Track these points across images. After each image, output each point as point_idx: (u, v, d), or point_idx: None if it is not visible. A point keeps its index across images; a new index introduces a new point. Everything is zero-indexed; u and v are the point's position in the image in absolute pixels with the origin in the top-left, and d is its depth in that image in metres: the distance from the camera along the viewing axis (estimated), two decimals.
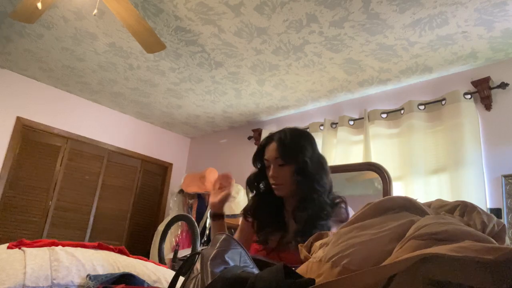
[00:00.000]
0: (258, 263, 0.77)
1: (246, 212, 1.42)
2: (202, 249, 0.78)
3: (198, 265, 0.76)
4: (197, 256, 0.78)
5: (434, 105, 2.79)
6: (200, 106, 3.97)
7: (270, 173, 1.30)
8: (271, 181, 1.32)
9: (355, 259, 0.59)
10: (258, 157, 1.38)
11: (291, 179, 1.28)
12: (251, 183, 1.42)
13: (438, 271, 0.47)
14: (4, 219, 3.44)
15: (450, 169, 2.55)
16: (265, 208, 1.37)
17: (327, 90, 3.30)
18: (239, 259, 0.74)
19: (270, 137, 1.36)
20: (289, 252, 1.24)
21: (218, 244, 0.75)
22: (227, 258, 0.72)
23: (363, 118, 3.14)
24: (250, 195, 1.44)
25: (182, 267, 0.83)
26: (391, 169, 2.78)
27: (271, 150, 1.32)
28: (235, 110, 3.95)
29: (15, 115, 3.61)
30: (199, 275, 0.72)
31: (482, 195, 2.39)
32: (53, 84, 3.83)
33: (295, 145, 1.30)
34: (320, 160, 1.33)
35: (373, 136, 3.03)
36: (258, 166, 1.40)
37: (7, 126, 3.55)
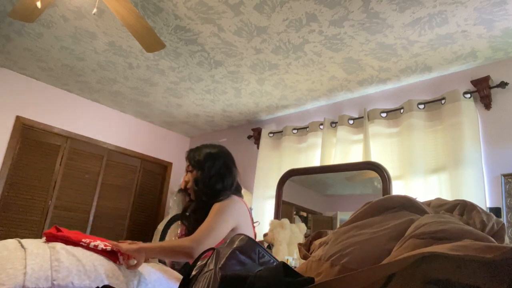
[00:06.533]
0: None
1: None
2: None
3: (212, 262, 0.76)
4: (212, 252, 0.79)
5: (434, 104, 2.79)
6: (199, 105, 3.96)
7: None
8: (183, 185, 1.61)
9: (355, 258, 0.59)
10: None
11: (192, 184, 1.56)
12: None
13: (438, 269, 0.47)
14: (4, 218, 3.44)
15: (450, 168, 2.55)
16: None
17: (327, 89, 3.30)
18: (256, 257, 0.74)
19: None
20: None
21: (234, 244, 0.75)
22: (242, 258, 0.72)
23: (362, 117, 3.14)
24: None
25: (194, 264, 0.84)
26: (391, 168, 2.79)
27: (185, 161, 1.63)
28: (234, 109, 3.95)
29: (14, 114, 3.60)
30: (212, 271, 0.72)
31: (481, 194, 2.39)
32: (52, 83, 3.83)
33: (195, 156, 1.59)
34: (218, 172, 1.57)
35: (373, 135, 3.03)
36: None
37: (6, 125, 3.55)
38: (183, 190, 1.63)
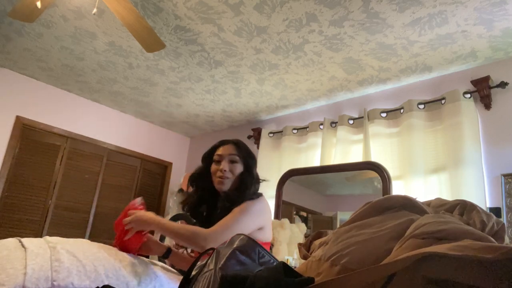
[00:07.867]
0: None
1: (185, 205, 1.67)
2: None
3: (212, 262, 0.76)
4: (213, 252, 0.79)
5: (434, 104, 2.79)
6: (199, 105, 3.97)
7: (221, 167, 1.51)
8: (219, 174, 1.51)
9: (355, 258, 0.59)
10: (209, 156, 1.60)
11: (238, 175, 1.52)
12: (194, 179, 1.65)
13: (438, 270, 0.47)
14: (4, 218, 3.44)
15: (450, 168, 2.55)
16: (202, 204, 1.62)
17: (327, 89, 3.30)
18: (256, 257, 0.74)
19: (226, 140, 1.60)
20: None
21: (234, 244, 0.75)
22: (242, 258, 0.72)
23: (362, 117, 3.14)
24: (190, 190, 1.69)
25: (194, 265, 0.84)
26: (391, 168, 2.79)
27: (227, 148, 1.55)
28: (234, 109, 3.95)
29: (14, 114, 3.60)
30: (212, 271, 0.72)
31: (481, 194, 2.39)
32: (52, 83, 3.83)
33: (247, 150, 1.58)
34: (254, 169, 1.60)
35: (373, 135, 3.03)
36: (205, 165, 1.62)
37: (6, 125, 3.55)
38: (181, 190, 1.64)
